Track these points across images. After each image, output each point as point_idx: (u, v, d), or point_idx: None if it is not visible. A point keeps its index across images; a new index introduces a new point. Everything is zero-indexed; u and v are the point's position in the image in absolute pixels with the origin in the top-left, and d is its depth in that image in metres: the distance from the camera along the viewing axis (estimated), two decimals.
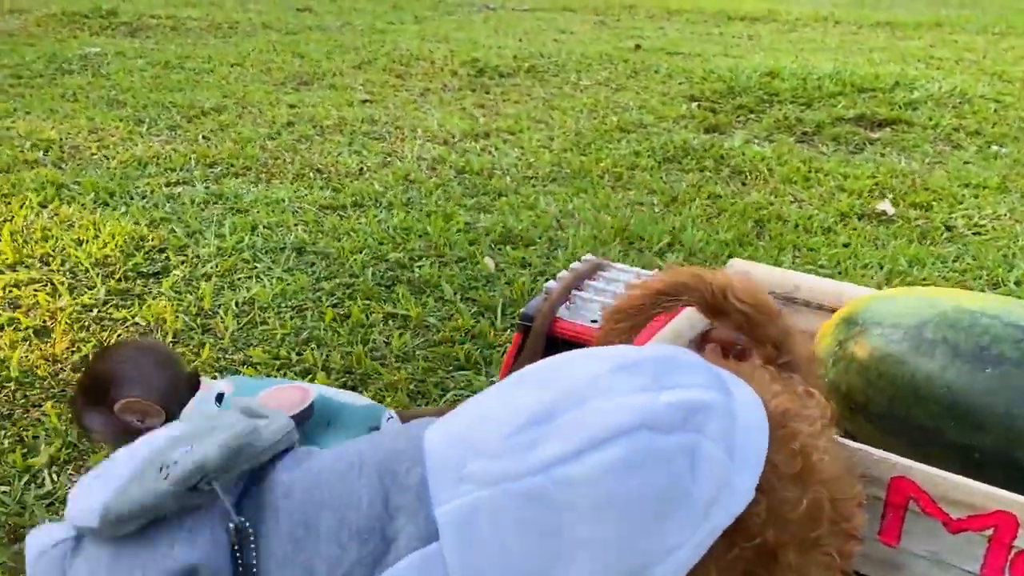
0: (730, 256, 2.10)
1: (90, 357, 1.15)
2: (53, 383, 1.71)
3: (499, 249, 2.31)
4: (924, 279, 2.14)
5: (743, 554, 0.80)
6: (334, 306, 2.00)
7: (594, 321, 1.23)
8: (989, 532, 0.87)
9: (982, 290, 2.11)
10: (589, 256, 1.43)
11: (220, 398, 1.18)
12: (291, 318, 1.95)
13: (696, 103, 3.98)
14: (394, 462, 0.81)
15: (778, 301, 1.32)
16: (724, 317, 0.95)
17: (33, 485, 1.43)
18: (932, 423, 0.95)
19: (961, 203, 2.74)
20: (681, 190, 2.83)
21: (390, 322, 1.95)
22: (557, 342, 1.22)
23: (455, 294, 2.05)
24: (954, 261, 2.28)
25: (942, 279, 2.14)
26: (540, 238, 2.36)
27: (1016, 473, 0.91)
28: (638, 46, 5.40)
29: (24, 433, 1.57)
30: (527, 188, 2.82)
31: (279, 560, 0.78)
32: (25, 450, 1.49)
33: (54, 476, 1.45)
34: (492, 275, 2.15)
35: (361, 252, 2.26)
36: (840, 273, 2.20)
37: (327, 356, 1.79)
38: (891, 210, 2.63)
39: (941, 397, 0.96)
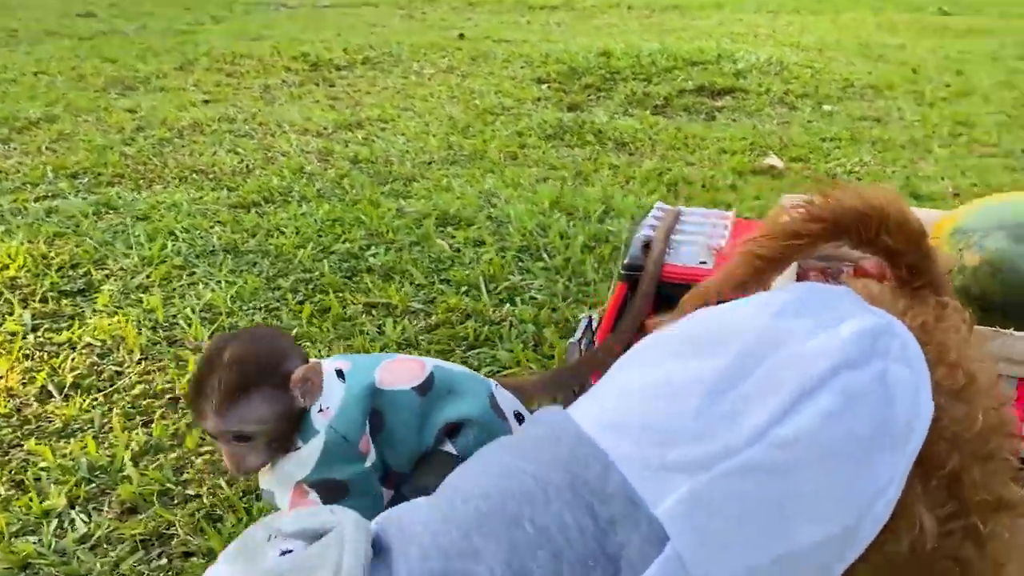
0: None
1: (214, 348, 0.99)
2: (24, 419, 1.48)
3: (444, 230, 2.26)
4: None
5: (939, 485, 0.75)
6: (301, 303, 1.87)
7: (703, 262, 1.24)
8: None
9: None
10: (661, 204, 1.44)
11: (340, 374, 1.08)
12: (264, 319, 1.81)
13: (545, 84, 4.08)
14: (579, 471, 0.69)
15: None
16: (869, 245, 0.84)
17: (61, 529, 1.24)
18: None
19: (829, 155, 3.01)
20: (580, 163, 2.89)
21: (372, 312, 1.85)
22: (666, 287, 1.23)
23: (426, 277, 1.98)
24: None
25: None
26: (478, 216, 2.33)
27: None
28: (462, 35, 5.42)
29: (19, 476, 1.35)
30: (433, 171, 2.77)
31: None
32: (30, 494, 1.29)
33: (84, 517, 1.26)
34: (451, 256, 2.10)
35: (307, 246, 2.12)
36: None
37: (329, 351, 1.67)
38: (780, 164, 2.83)
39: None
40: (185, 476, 1.34)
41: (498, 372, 1.61)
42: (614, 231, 2.22)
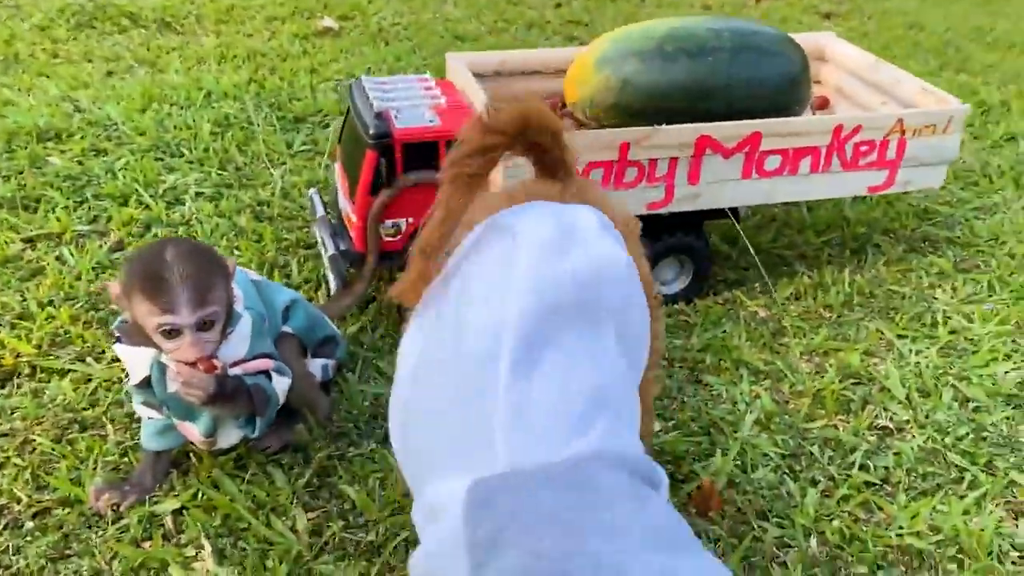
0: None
1: (155, 251, 1.06)
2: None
3: (48, 148, 2.09)
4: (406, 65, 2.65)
5: None
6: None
7: (431, 121, 1.46)
8: (747, 148, 1.49)
9: None
10: (361, 79, 1.59)
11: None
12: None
13: None
14: None
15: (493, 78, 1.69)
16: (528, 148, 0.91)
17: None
18: (682, 105, 1.51)
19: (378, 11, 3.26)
20: (136, 51, 2.76)
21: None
22: (409, 147, 1.44)
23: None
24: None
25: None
26: (74, 124, 2.18)
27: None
28: None
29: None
30: None
31: None
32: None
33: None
34: (82, 173, 1.99)
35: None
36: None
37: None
38: (335, 24, 3.02)
39: (684, 85, 1.51)
40: None
41: None
42: (233, 112, 2.27)
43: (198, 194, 1.91)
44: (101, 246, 1.71)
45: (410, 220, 1.49)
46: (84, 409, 1.33)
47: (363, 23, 3.10)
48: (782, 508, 1.21)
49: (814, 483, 1.26)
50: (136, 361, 1.12)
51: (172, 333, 1.06)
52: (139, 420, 1.22)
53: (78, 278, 1.61)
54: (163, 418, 1.18)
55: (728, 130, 1.47)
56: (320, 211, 1.62)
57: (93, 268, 1.64)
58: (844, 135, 1.53)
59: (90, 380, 1.39)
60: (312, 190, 1.72)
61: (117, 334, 1.14)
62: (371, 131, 1.42)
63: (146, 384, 1.13)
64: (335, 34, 2.98)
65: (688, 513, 1.20)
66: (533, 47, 2.83)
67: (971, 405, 1.42)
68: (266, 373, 1.16)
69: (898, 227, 1.93)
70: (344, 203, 1.56)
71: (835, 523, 1.19)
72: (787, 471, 1.28)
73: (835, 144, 1.53)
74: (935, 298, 1.69)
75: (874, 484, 1.27)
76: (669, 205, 1.52)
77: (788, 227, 1.91)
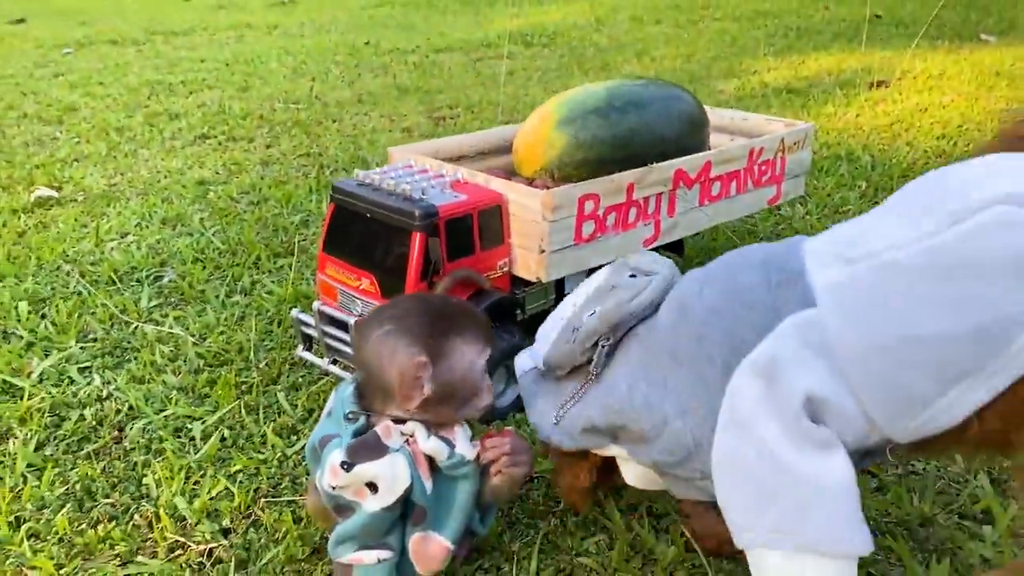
0: None
1: (417, 306, 1.02)
2: None
3: None
4: None
5: None
6: None
7: (458, 197, 1.41)
8: (703, 178, 1.68)
9: None
10: (350, 178, 1.49)
11: None
12: None
13: None
14: (773, 254, 0.93)
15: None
16: None
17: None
18: (631, 151, 1.66)
19: None
20: None
21: None
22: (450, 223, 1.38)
23: None
24: None
25: None
26: None
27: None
28: None
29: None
30: None
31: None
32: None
33: None
34: None
35: None
36: None
37: None
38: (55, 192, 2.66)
39: (621, 141, 1.66)
40: None
41: None
42: None
43: None
44: None
45: None
46: None
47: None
48: None
49: None
50: (394, 472, 0.95)
51: (489, 368, 1.00)
52: None
53: None
54: (394, 554, 1.00)
55: (693, 162, 1.65)
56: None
57: None
58: (755, 157, 1.80)
59: None
60: (295, 310, 1.54)
61: (347, 459, 0.95)
62: (417, 212, 1.35)
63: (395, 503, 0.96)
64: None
65: None
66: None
67: None
68: None
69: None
70: (367, 307, 1.44)
71: None
72: None
73: (750, 166, 1.80)
74: None
75: None
76: (658, 239, 1.65)
77: (716, 252, 2.10)
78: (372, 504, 0.96)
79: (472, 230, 1.43)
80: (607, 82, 1.74)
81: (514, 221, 1.47)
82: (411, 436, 0.98)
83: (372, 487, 0.96)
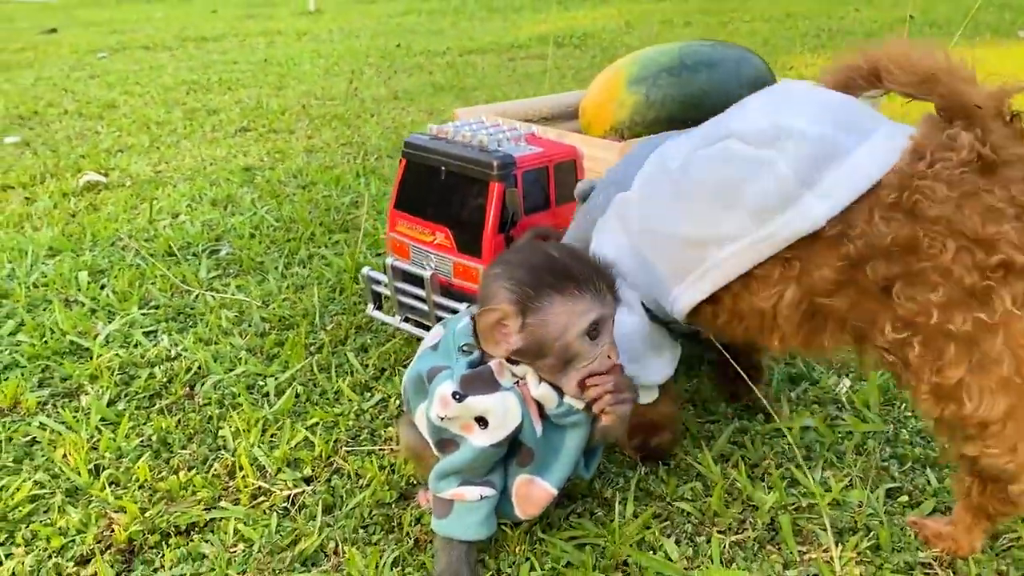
0: None
1: (525, 255, 0.95)
2: None
3: None
4: None
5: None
6: None
7: (533, 149, 1.37)
8: None
9: None
10: (423, 131, 1.45)
11: None
12: None
13: None
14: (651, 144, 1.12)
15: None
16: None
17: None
18: (700, 113, 1.63)
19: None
20: None
21: None
22: (527, 173, 1.35)
23: None
24: None
25: None
26: None
27: None
28: None
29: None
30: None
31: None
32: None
33: None
34: None
35: None
36: None
37: None
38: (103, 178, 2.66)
39: (692, 100, 1.63)
40: None
41: None
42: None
43: None
44: None
45: None
46: None
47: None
48: None
49: None
50: (506, 407, 0.92)
51: (595, 333, 0.90)
52: None
53: None
54: (496, 492, 0.97)
55: None
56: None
57: None
58: None
59: None
60: (366, 268, 1.52)
61: (460, 390, 0.92)
62: (495, 162, 1.32)
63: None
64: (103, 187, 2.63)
65: None
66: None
67: None
68: None
69: None
70: (441, 261, 1.41)
71: None
72: None
73: None
74: None
75: None
76: None
77: None
78: (480, 439, 0.93)
79: (548, 184, 1.40)
80: (676, 42, 1.72)
81: (589, 176, 1.44)
82: (522, 379, 0.95)
83: (482, 421, 0.93)
